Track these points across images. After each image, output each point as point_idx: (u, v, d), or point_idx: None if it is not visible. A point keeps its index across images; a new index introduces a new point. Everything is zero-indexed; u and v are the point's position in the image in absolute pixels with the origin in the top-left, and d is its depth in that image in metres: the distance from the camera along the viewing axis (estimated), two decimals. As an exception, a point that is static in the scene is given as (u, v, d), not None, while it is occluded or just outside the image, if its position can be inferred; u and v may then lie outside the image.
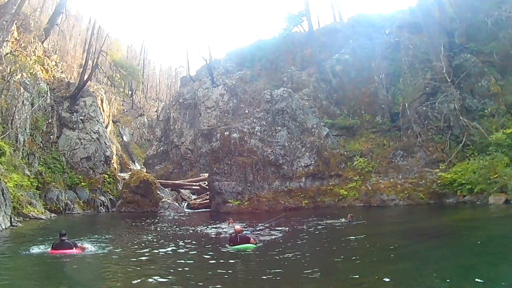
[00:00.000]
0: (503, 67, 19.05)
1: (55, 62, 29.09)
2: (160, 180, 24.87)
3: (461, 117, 17.90)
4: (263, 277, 6.39)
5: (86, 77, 25.82)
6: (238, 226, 9.60)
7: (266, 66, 32.85)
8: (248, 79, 31.91)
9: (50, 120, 22.60)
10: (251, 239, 9.04)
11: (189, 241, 10.69)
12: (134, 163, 41.47)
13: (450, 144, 18.07)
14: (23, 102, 19.98)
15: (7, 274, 6.71)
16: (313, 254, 8.66)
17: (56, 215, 18.22)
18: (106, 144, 24.82)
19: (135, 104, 55.88)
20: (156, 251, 9.17)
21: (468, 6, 22.11)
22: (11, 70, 19.48)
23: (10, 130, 18.49)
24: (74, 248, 8.63)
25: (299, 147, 21.10)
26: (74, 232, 11.17)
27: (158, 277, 6.29)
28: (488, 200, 14.34)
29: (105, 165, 23.83)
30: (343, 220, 13.22)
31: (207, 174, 23.38)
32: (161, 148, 35.50)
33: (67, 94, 24.83)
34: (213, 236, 11.86)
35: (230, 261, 7.83)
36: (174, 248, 9.43)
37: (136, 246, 9.81)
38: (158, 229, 14.05)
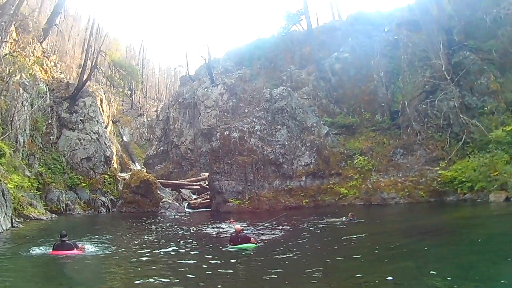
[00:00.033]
0: (502, 64, 19.04)
1: (54, 62, 29.03)
2: (160, 180, 24.88)
3: (460, 115, 17.90)
4: (264, 276, 6.40)
5: (85, 77, 25.76)
6: (238, 226, 9.62)
7: (265, 65, 32.77)
8: (248, 78, 31.86)
9: (49, 121, 22.57)
10: (252, 238, 9.07)
11: (189, 241, 10.72)
12: (134, 163, 41.45)
13: (450, 142, 18.06)
14: (22, 103, 19.94)
15: (8, 275, 6.72)
16: (314, 253, 8.66)
17: (56, 216, 18.22)
18: (106, 144, 24.81)
19: (134, 104, 55.83)
20: (157, 251, 9.18)
21: (467, 3, 22.09)
22: (10, 71, 19.42)
23: (10, 131, 18.46)
24: (75, 249, 8.65)
25: (299, 146, 21.10)
26: (75, 232, 11.20)
27: (159, 277, 6.31)
28: (488, 197, 14.35)
29: (105, 166, 23.83)
30: (343, 219, 13.23)
31: (207, 174, 23.40)
32: (161, 148, 35.49)
33: (67, 95, 24.79)
34: (213, 236, 11.87)
35: (231, 261, 7.85)
36: (175, 248, 9.44)
37: (137, 246, 9.82)
38: (159, 229, 14.06)
